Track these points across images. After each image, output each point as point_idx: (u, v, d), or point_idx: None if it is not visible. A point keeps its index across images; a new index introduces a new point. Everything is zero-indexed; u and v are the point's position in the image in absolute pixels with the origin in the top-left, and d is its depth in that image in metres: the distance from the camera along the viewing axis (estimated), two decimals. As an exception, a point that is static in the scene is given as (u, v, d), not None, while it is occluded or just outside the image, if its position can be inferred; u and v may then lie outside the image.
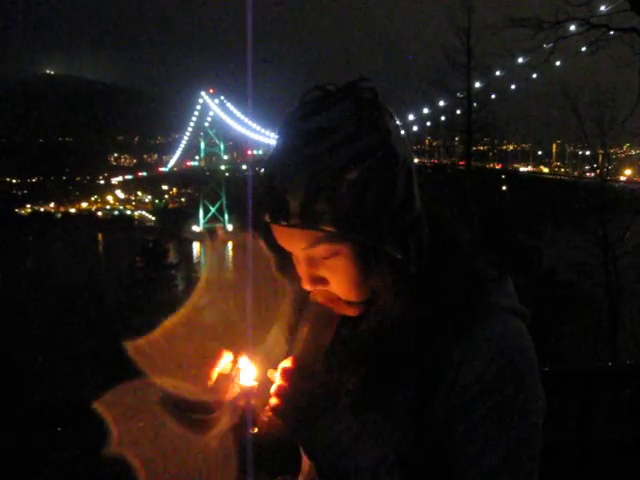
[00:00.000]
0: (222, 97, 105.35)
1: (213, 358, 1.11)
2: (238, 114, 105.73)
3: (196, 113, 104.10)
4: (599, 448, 3.36)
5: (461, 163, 18.17)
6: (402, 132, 1.07)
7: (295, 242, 1.03)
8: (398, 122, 1.07)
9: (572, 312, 14.15)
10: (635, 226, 15.47)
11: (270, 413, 1.07)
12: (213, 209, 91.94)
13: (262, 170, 1.05)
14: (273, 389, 1.07)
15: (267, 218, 1.02)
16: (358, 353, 1.08)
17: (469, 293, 1.06)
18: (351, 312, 1.10)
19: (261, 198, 1.02)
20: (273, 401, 1.06)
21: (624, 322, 13.97)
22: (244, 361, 1.11)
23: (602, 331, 13.79)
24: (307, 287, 1.09)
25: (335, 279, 1.06)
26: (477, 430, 1.00)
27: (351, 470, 1.02)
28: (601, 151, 17.56)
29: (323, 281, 1.07)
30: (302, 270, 1.08)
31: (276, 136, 1.04)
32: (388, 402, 1.05)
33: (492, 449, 0.99)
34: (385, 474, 1.00)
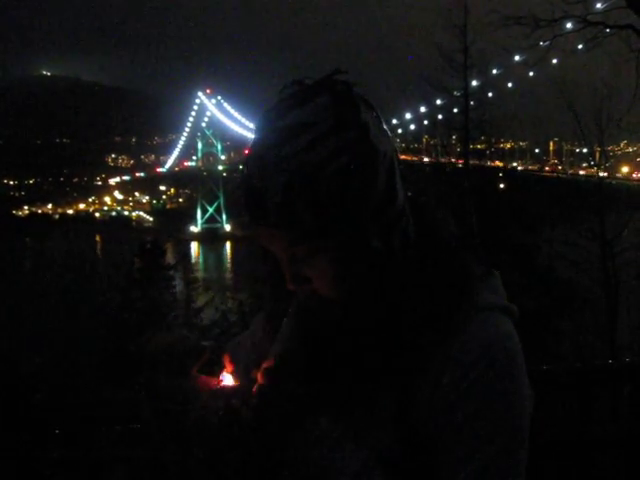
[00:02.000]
0: (219, 97, 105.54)
1: (197, 355, 1.11)
2: (235, 114, 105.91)
3: (193, 113, 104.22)
4: (599, 446, 3.36)
5: (459, 161, 18.19)
6: (384, 125, 1.04)
7: (276, 242, 1.01)
8: (378, 114, 1.04)
9: (570, 309, 14.16)
10: (633, 222, 15.49)
11: (250, 413, 1.06)
12: (211, 209, 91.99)
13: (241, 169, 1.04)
14: (254, 389, 1.05)
15: (247, 219, 1.00)
16: (341, 353, 1.06)
17: (454, 290, 1.04)
18: (335, 311, 1.07)
19: (241, 199, 1.00)
20: (253, 401, 1.04)
21: (623, 319, 13.99)
22: (227, 360, 1.10)
23: (601, 328, 13.79)
24: (291, 287, 1.07)
25: (319, 278, 1.04)
26: (463, 432, 0.98)
27: (333, 472, 1.00)
28: (598, 148, 17.57)
29: (307, 280, 1.05)
30: (285, 269, 1.06)
31: (254, 133, 1.02)
32: (370, 404, 1.03)
33: (478, 451, 0.97)
34: (368, 476, 0.99)
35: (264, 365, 1.06)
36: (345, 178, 0.95)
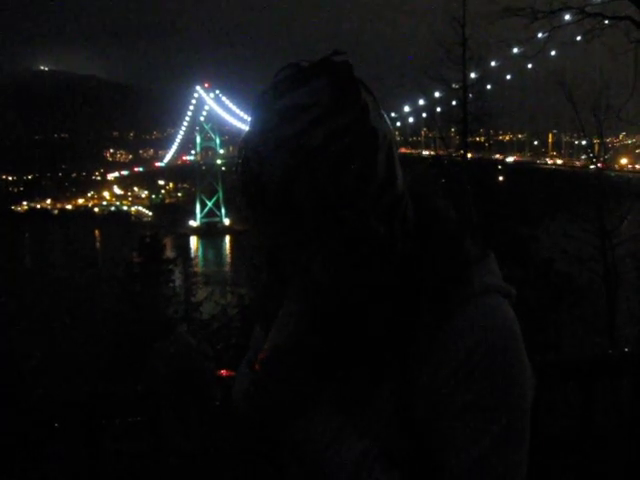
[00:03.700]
0: (217, 91, 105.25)
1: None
2: (233, 108, 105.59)
3: (191, 107, 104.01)
4: (600, 438, 3.36)
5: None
6: (381, 109, 1.02)
7: (274, 227, 1.00)
8: (375, 98, 1.02)
9: (570, 301, 14.16)
10: (632, 214, 15.48)
11: (246, 404, 1.04)
12: (210, 204, 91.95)
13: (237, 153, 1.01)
14: (250, 380, 1.04)
15: (245, 204, 0.99)
16: (339, 340, 1.05)
17: (452, 273, 1.03)
18: (333, 297, 1.05)
19: (238, 184, 0.99)
20: (249, 392, 1.03)
21: (622, 311, 14.00)
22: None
23: (600, 320, 13.81)
24: (288, 274, 1.06)
25: (317, 263, 1.01)
26: (464, 417, 0.97)
27: (334, 464, 0.99)
28: (597, 140, 17.54)
29: (305, 266, 1.03)
30: (282, 256, 1.05)
31: (250, 116, 1.00)
32: (371, 393, 1.02)
33: (480, 435, 0.96)
34: (369, 467, 0.98)
35: (260, 355, 1.04)
36: (345, 160, 0.93)
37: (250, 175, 0.95)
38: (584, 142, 19.26)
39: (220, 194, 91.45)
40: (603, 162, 17.52)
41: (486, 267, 1.08)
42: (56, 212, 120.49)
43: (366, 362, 1.02)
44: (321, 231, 0.97)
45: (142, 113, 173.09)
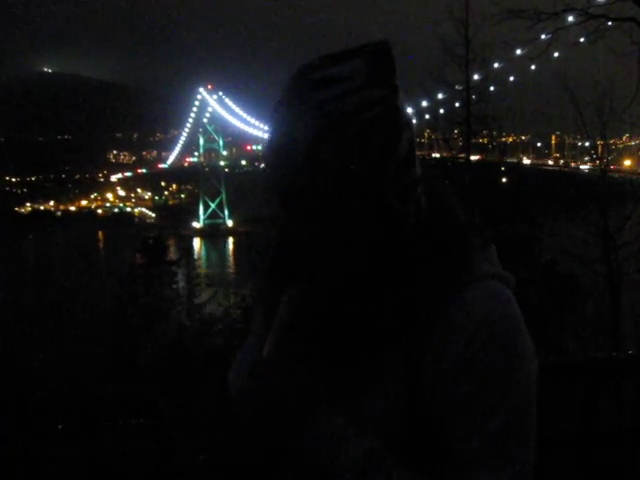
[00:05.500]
0: (220, 93, 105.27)
1: None
2: (237, 109, 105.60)
3: (195, 109, 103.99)
4: (603, 439, 3.35)
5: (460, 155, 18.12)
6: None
7: (298, 200, 0.99)
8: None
9: (573, 303, 14.14)
10: (636, 215, 15.44)
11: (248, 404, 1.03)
12: (213, 205, 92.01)
13: (267, 125, 1.04)
14: (246, 384, 1.02)
15: (271, 173, 1.01)
16: (339, 333, 1.03)
17: (454, 257, 1.04)
18: (344, 279, 1.04)
19: (266, 149, 1.01)
20: (246, 397, 1.02)
21: (625, 312, 13.97)
22: None
23: (604, 321, 13.78)
24: (296, 267, 1.06)
25: (334, 242, 1.01)
26: (470, 402, 0.97)
27: (340, 465, 0.98)
28: (601, 142, 17.50)
29: (321, 245, 1.02)
30: (299, 242, 1.04)
31: (283, 87, 1.03)
32: (374, 385, 1.02)
33: (486, 420, 0.96)
34: (376, 466, 0.97)
35: (255, 358, 1.04)
36: (373, 130, 0.96)
37: (282, 137, 0.98)
38: (587, 144, 19.23)
39: (223, 195, 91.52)
40: (607, 163, 17.49)
41: (487, 256, 1.10)
42: (59, 214, 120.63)
43: (369, 352, 1.01)
44: (341, 205, 0.98)
45: (145, 115, 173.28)
